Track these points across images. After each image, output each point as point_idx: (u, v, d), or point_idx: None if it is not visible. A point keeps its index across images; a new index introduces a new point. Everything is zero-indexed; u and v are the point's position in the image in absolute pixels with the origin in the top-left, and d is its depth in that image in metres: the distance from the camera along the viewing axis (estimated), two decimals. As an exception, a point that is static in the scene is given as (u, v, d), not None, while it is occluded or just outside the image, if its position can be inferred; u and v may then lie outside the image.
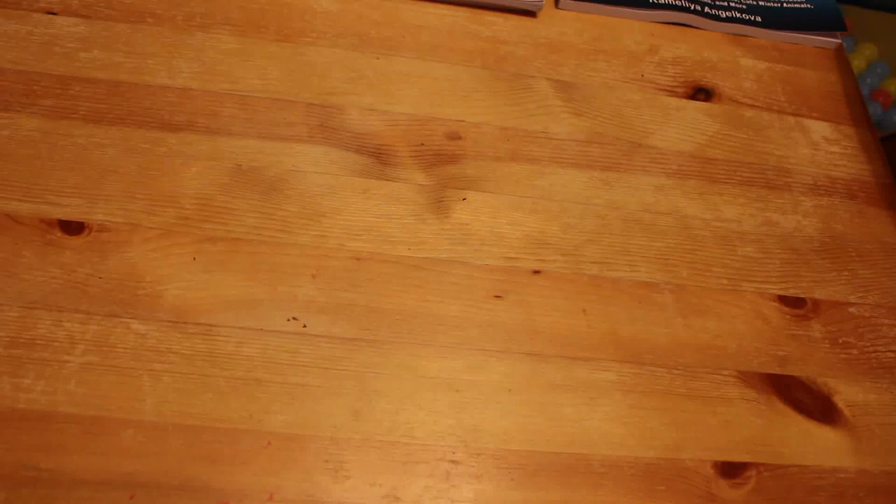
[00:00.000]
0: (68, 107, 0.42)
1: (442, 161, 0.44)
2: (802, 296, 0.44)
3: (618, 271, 0.42)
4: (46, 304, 0.36)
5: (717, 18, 0.54)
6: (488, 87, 0.48)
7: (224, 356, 0.36)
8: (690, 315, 0.41)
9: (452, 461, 0.35)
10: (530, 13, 0.52)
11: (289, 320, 0.38)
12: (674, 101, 0.50)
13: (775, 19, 0.56)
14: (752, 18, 0.55)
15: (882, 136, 0.52)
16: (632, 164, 0.47)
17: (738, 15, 0.55)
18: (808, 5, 0.57)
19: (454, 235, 0.42)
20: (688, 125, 0.49)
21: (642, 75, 0.51)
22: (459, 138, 0.45)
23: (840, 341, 0.42)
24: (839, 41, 0.56)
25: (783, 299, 0.43)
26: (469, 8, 0.51)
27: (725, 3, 0.55)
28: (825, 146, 0.51)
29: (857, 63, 1.26)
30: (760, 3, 0.56)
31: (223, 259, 0.39)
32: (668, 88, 0.51)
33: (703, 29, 0.55)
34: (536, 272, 0.41)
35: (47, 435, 0.32)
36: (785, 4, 0.57)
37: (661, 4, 0.54)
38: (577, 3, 0.53)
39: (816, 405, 0.40)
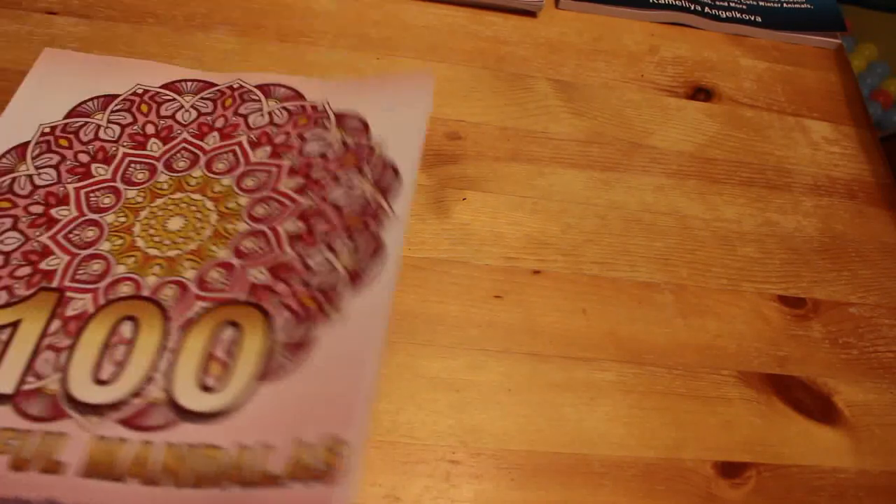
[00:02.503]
0: (68, 107, 0.42)
1: (442, 161, 0.44)
2: (802, 296, 0.44)
3: (618, 271, 0.42)
4: (46, 304, 0.36)
5: (717, 18, 0.54)
6: (488, 87, 0.48)
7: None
8: (690, 315, 0.41)
9: (452, 461, 0.35)
10: (530, 13, 0.52)
11: (289, 320, 0.38)
12: (674, 102, 0.50)
13: (775, 19, 0.56)
14: (752, 18, 0.55)
15: (882, 136, 0.52)
16: (632, 164, 0.47)
17: (738, 15, 0.55)
18: (808, 5, 0.57)
19: (454, 235, 0.42)
20: (688, 125, 0.49)
21: (642, 75, 0.51)
22: (459, 138, 0.45)
23: (840, 341, 0.42)
24: (839, 41, 0.56)
25: (783, 299, 0.43)
26: (469, 8, 0.51)
27: (725, 3, 0.55)
28: (825, 146, 0.51)
29: (858, 63, 1.26)
30: (760, 3, 0.56)
31: (223, 259, 0.39)
32: (668, 88, 0.51)
33: (703, 29, 0.55)
34: (536, 272, 0.41)
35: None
36: (785, 4, 0.57)
37: (661, 4, 0.54)
38: (578, 3, 0.53)
39: (816, 405, 0.40)
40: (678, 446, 0.37)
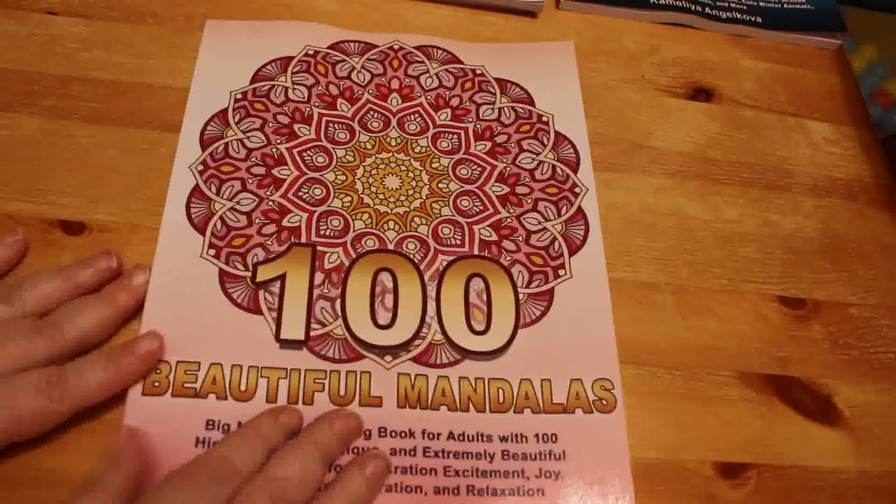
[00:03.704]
0: (69, 107, 0.42)
1: (442, 161, 0.44)
2: (802, 296, 0.44)
3: (618, 271, 0.42)
4: (47, 303, 0.36)
5: (717, 19, 0.54)
6: (489, 88, 0.48)
7: (224, 356, 0.36)
8: (690, 316, 0.41)
9: (452, 461, 0.35)
10: (531, 14, 0.52)
11: (289, 320, 0.38)
12: (674, 102, 0.50)
13: (776, 20, 0.56)
14: (753, 19, 0.55)
15: (882, 136, 0.52)
16: (632, 164, 0.47)
17: (739, 15, 0.55)
18: (809, 6, 0.57)
19: (454, 236, 0.42)
20: (688, 126, 0.49)
21: (643, 76, 0.51)
22: (460, 139, 0.45)
23: (840, 342, 0.42)
24: (839, 42, 0.56)
25: (783, 300, 0.43)
26: (470, 8, 0.51)
27: (726, 4, 0.55)
28: (825, 147, 0.51)
29: (858, 64, 1.26)
30: (761, 3, 0.56)
31: (223, 259, 0.39)
32: (669, 89, 0.51)
33: (704, 29, 0.55)
34: (537, 272, 0.41)
35: (48, 434, 0.32)
36: (785, 5, 0.57)
37: (662, 5, 0.54)
38: (578, 3, 0.53)
39: (816, 406, 0.40)
40: (678, 446, 0.37)
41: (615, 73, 0.51)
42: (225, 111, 0.43)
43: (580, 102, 0.47)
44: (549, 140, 0.45)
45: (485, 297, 0.38)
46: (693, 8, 0.54)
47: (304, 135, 0.42)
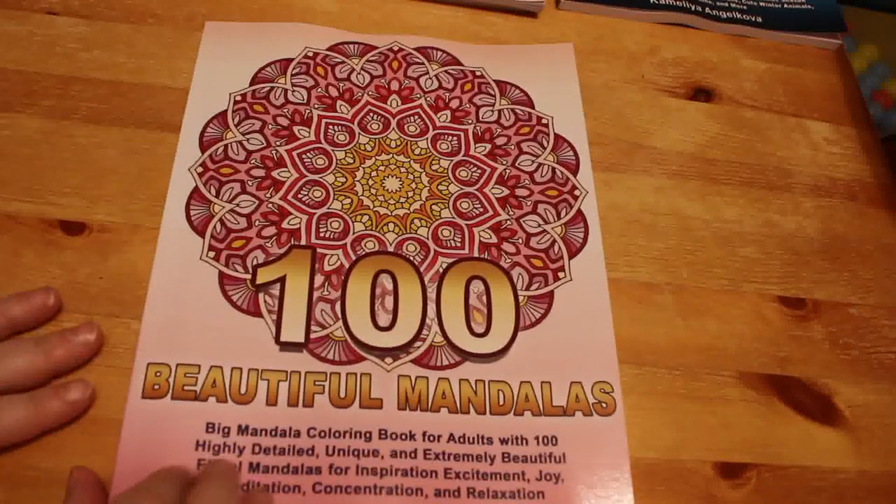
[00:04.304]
0: (69, 107, 0.42)
1: (442, 161, 0.44)
2: (803, 297, 0.44)
3: (618, 271, 0.42)
4: (47, 304, 0.36)
5: (717, 19, 0.54)
6: (489, 88, 0.48)
7: (224, 356, 0.36)
8: (691, 316, 0.41)
9: (452, 461, 0.35)
10: (531, 14, 0.52)
11: (289, 320, 0.38)
12: (674, 102, 0.50)
13: (776, 20, 0.56)
14: (753, 19, 0.55)
15: (882, 136, 0.52)
16: (632, 164, 0.47)
17: (739, 15, 0.55)
18: (809, 6, 0.57)
19: (454, 236, 0.42)
20: (688, 126, 0.49)
21: (643, 76, 0.51)
22: (460, 139, 0.45)
23: (840, 342, 0.42)
24: (840, 42, 0.56)
25: (783, 300, 0.43)
26: (470, 8, 0.51)
27: (726, 4, 0.55)
28: (826, 147, 0.51)
29: (858, 64, 1.26)
30: (761, 3, 0.56)
31: (223, 259, 0.39)
32: (669, 89, 0.51)
33: (704, 29, 0.55)
34: (537, 273, 0.41)
35: (47, 434, 0.32)
36: (785, 5, 0.57)
37: (662, 5, 0.54)
38: (578, 3, 0.53)
39: (817, 406, 0.40)
40: (678, 446, 0.37)
41: (615, 74, 0.51)
42: (224, 113, 0.43)
43: (580, 105, 0.47)
44: (548, 142, 0.45)
45: (485, 299, 0.38)
46: (693, 8, 0.54)
47: (304, 137, 0.42)
